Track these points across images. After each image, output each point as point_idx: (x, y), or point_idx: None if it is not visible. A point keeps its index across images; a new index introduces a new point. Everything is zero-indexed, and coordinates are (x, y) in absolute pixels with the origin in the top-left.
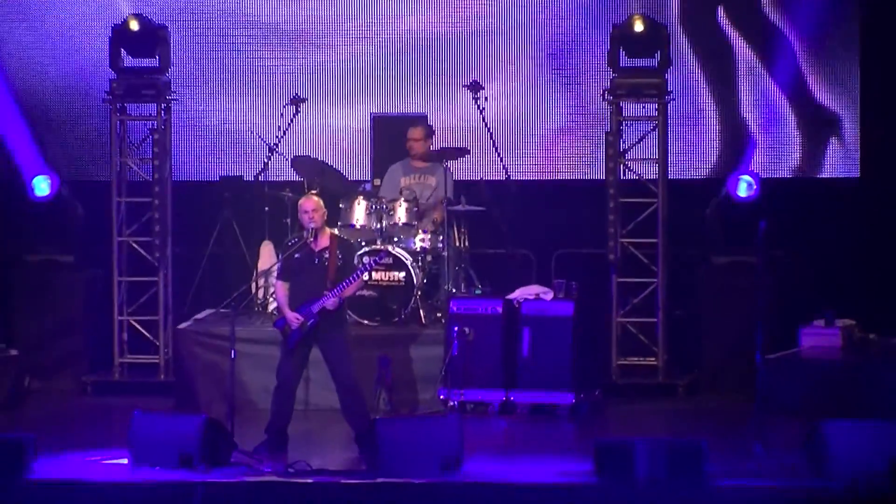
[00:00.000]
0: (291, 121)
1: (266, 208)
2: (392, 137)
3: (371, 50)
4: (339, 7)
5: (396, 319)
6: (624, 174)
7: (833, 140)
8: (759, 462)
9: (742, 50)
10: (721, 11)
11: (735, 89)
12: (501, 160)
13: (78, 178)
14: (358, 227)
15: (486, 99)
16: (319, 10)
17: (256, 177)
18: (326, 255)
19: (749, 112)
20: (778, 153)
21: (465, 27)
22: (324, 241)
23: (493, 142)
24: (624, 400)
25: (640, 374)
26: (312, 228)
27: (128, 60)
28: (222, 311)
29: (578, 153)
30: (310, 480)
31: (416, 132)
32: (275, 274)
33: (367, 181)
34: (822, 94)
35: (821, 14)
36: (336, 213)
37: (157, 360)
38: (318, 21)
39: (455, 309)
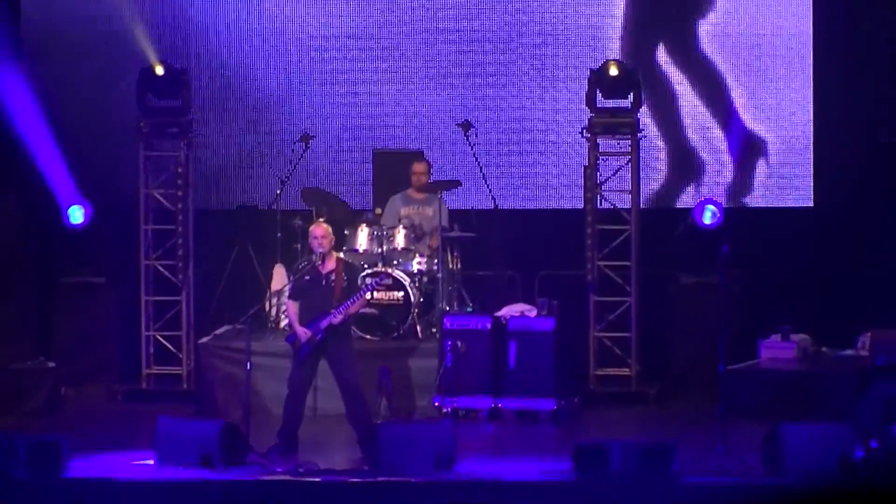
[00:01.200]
0: (301, 155)
1: (278, 234)
2: (391, 170)
3: (372, 90)
4: (341, 53)
5: (395, 334)
6: (600, 203)
7: (788, 172)
8: (722, 461)
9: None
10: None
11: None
12: (490, 191)
13: (110, 208)
14: (361, 251)
15: (476, 136)
16: (325, 56)
17: (269, 206)
18: (333, 277)
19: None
20: (739, 184)
21: (459, 70)
22: (331, 264)
23: (483, 174)
24: (600, 406)
25: (615, 382)
26: (321, 252)
27: (153, 101)
28: (239, 326)
29: (559, 185)
30: (318, 479)
31: (420, 167)
32: (287, 294)
33: (370, 210)
34: (776, 131)
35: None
36: (342, 239)
37: (180, 371)
38: (324, 65)
39: (448, 325)
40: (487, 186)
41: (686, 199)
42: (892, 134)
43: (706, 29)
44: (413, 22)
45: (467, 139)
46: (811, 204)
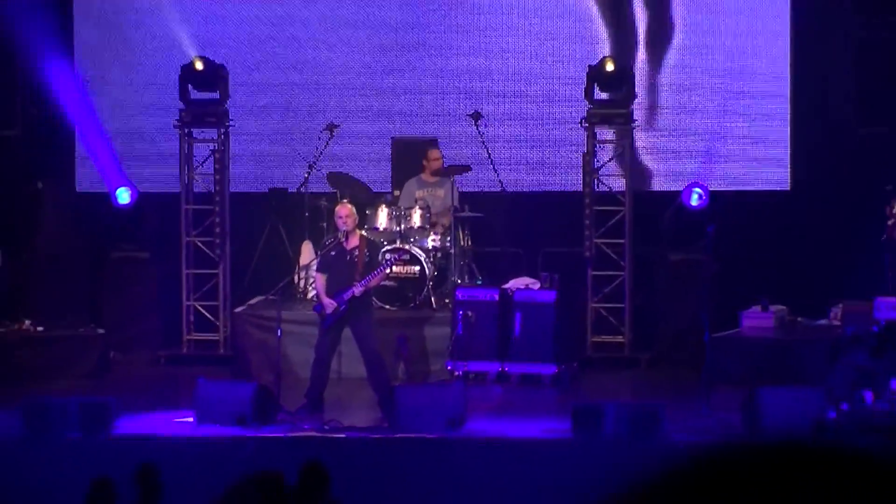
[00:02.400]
0: (326, 143)
1: (306, 214)
2: (408, 156)
3: (390, 82)
4: (361, 50)
5: (412, 305)
6: (597, 187)
7: (768, 159)
8: (705, 421)
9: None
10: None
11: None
12: (497, 175)
13: (154, 189)
14: (381, 229)
15: (484, 125)
16: (347, 53)
17: (298, 189)
18: (356, 253)
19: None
20: (723, 169)
21: (472, 65)
22: (354, 241)
23: (491, 160)
24: (596, 371)
25: (610, 349)
26: (345, 231)
27: (193, 93)
28: (271, 297)
29: (560, 170)
30: (342, 435)
31: (434, 153)
32: (314, 268)
33: (389, 192)
34: (758, 122)
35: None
36: (363, 219)
37: (217, 338)
38: (346, 60)
39: (460, 296)
40: (495, 171)
41: (675, 184)
42: (862, 125)
43: (686, 27)
44: (428, 23)
45: (477, 128)
46: (788, 188)
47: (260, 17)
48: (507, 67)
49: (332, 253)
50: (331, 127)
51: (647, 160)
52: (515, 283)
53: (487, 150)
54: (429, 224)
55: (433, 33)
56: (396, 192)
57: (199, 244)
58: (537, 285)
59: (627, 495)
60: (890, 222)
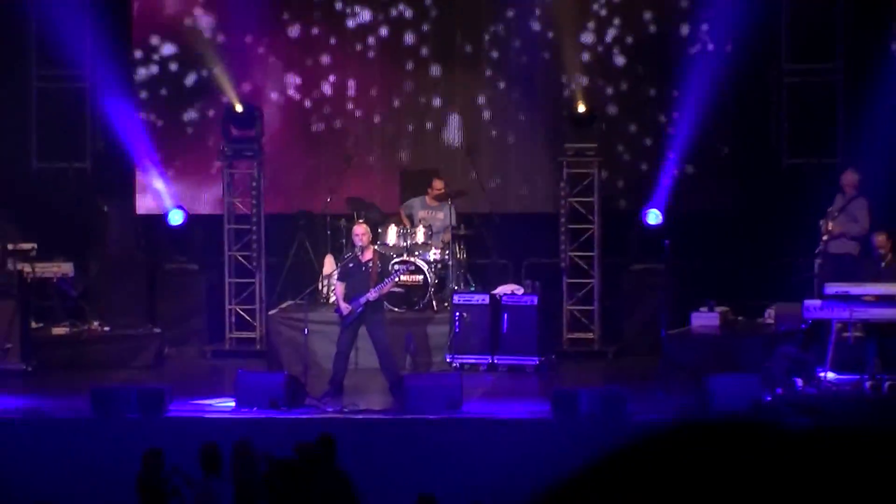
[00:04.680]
0: (344, 171)
1: (328, 232)
2: (414, 183)
3: (398, 120)
4: (371, 94)
5: (417, 307)
6: (571, 208)
7: (714, 186)
8: (663, 404)
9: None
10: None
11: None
12: (488, 199)
13: (201, 212)
14: (391, 245)
15: (477, 156)
16: (360, 94)
17: (321, 210)
18: (370, 264)
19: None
20: (677, 191)
21: (467, 105)
22: (368, 255)
23: (482, 186)
24: (571, 362)
25: (582, 344)
26: (360, 246)
27: (234, 131)
28: (299, 301)
29: (541, 194)
30: (359, 417)
31: (439, 183)
32: (335, 277)
33: (397, 214)
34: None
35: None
36: (376, 236)
37: (254, 336)
38: (363, 102)
39: (457, 300)
40: (486, 195)
41: (636, 205)
42: (791, 156)
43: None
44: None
45: (470, 159)
46: (731, 207)
47: (291, 82)
48: (497, 114)
49: (350, 265)
50: (348, 158)
51: (613, 185)
52: (503, 289)
53: (479, 178)
54: (430, 240)
55: (436, 78)
56: (401, 210)
57: (240, 258)
58: (521, 291)
59: (600, 468)
60: (825, 237)
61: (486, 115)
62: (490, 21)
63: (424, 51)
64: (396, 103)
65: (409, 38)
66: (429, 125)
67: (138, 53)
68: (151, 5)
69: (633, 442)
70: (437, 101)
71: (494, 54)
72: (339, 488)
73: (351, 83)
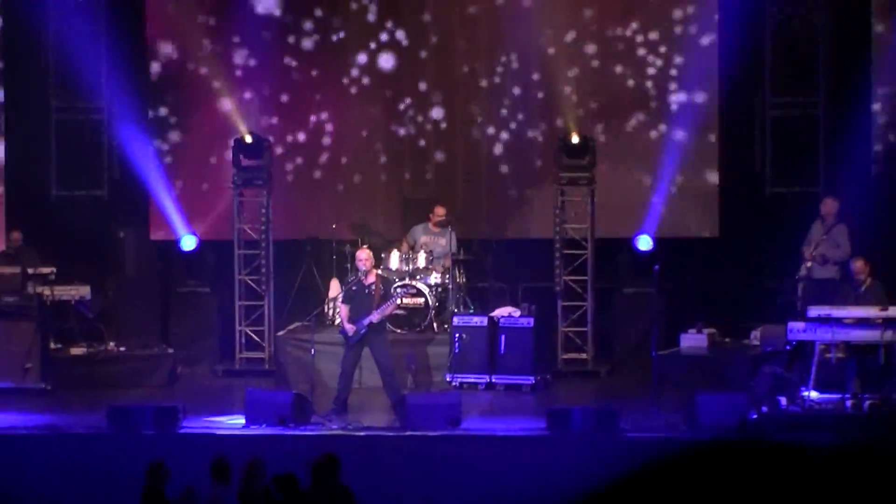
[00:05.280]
0: (349, 198)
1: (334, 257)
2: (415, 211)
3: (400, 151)
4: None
5: (418, 329)
6: (566, 234)
7: (701, 213)
8: (654, 421)
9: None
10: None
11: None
12: (486, 226)
13: (212, 237)
14: (393, 269)
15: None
16: (362, 130)
17: (327, 236)
18: (373, 288)
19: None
20: (666, 218)
21: (466, 141)
22: (371, 278)
23: (482, 212)
24: (566, 381)
25: (576, 364)
26: (364, 270)
27: (244, 161)
28: (306, 323)
29: (536, 221)
30: (363, 433)
31: (441, 210)
32: (340, 299)
33: (399, 240)
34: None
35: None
36: (379, 260)
37: (263, 356)
38: (366, 132)
39: (456, 322)
40: (484, 222)
41: (627, 231)
42: (775, 185)
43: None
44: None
45: (469, 185)
46: (718, 234)
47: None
48: (492, 143)
49: (354, 288)
50: (352, 186)
51: (606, 212)
52: (501, 312)
53: (477, 205)
54: (431, 265)
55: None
56: (404, 239)
57: (249, 281)
58: (518, 313)
59: (596, 492)
60: (809, 264)
61: (484, 145)
62: (489, 55)
63: (423, 86)
64: (405, 124)
65: (409, 69)
66: (430, 154)
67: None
68: (164, 39)
69: (628, 465)
70: (437, 129)
71: (491, 82)
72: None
73: (354, 114)
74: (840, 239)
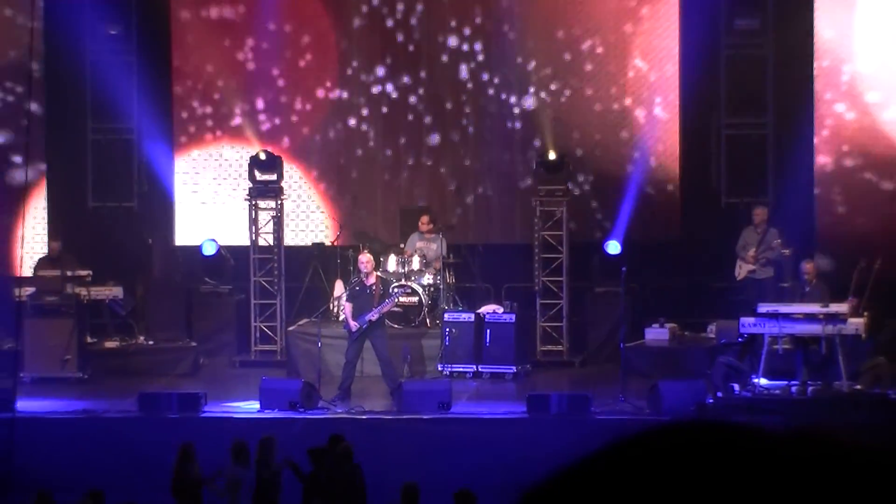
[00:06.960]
0: (351, 209)
1: (338, 260)
2: (410, 220)
3: (396, 164)
4: (372, 142)
5: (413, 324)
6: (544, 240)
7: (664, 216)
8: (622, 405)
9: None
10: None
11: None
12: (473, 233)
13: (231, 243)
14: (391, 271)
15: (462, 195)
16: (363, 142)
17: (332, 242)
18: (374, 288)
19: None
20: (632, 224)
21: (455, 159)
22: (372, 280)
23: (468, 220)
24: (543, 370)
25: (553, 355)
26: (365, 272)
27: (258, 175)
28: (313, 319)
29: (518, 227)
30: (364, 416)
31: (425, 219)
32: (344, 298)
33: (396, 245)
34: (658, 188)
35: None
36: (378, 263)
37: (276, 348)
38: (364, 147)
39: (447, 318)
40: (472, 229)
41: (598, 236)
42: (729, 196)
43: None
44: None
45: (459, 193)
46: (678, 237)
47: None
48: (480, 156)
49: (357, 288)
50: (354, 198)
51: (579, 220)
52: (486, 309)
53: (465, 213)
54: (425, 267)
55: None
56: (402, 245)
57: (263, 282)
58: (501, 310)
59: (565, 473)
60: (753, 267)
61: (469, 162)
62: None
63: (421, 109)
64: (402, 142)
65: (407, 97)
66: (424, 168)
67: (179, 113)
68: (189, 67)
69: (594, 447)
70: (430, 144)
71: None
72: (353, 478)
73: (357, 134)
74: (773, 242)
